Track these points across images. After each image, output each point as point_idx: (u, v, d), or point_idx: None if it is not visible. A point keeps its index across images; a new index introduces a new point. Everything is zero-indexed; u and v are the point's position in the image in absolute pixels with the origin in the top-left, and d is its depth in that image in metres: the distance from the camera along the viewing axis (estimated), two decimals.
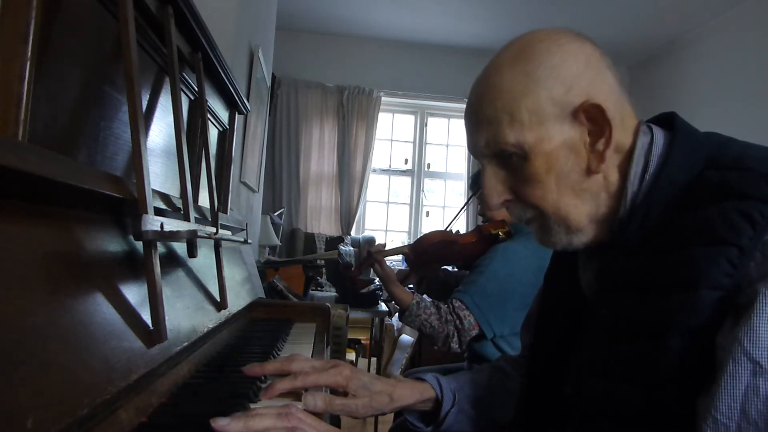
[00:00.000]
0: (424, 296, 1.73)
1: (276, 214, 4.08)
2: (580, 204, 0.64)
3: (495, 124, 0.64)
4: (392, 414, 1.69)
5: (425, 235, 1.76)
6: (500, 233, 1.65)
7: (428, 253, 1.70)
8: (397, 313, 1.74)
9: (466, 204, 2.12)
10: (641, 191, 0.63)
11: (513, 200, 0.68)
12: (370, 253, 1.67)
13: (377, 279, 1.73)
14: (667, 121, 0.67)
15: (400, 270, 1.81)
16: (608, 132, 0.62)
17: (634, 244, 0.62)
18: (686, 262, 0.56)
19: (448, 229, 1.81)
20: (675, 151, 0.62)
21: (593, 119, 0.62)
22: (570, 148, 0.63)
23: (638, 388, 0.57)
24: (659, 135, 0.65)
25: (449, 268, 3.89)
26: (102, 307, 0.53)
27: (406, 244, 1.77)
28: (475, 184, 1.78)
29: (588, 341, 0.66)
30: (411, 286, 1.93)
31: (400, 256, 1.76)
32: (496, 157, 0.66)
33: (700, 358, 0.54)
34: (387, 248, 1.73)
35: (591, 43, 0.66)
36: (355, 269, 1.75)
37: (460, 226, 4.92)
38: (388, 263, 1.68)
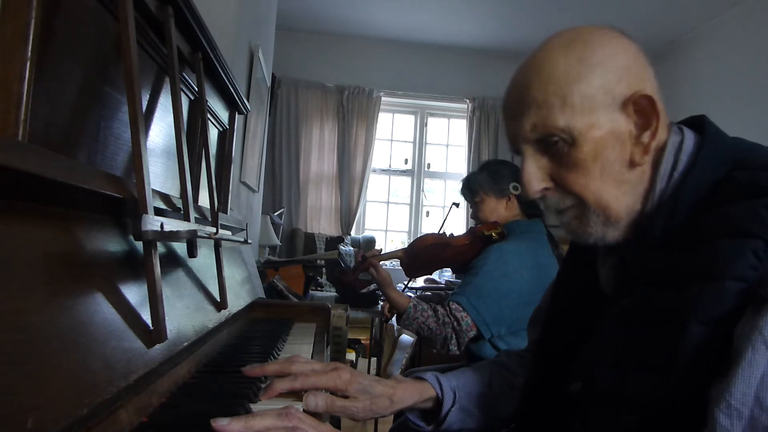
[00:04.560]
0: None
1: (276, 214, 4.08)
2: (620, 195, 0.65)
3: (545, 108, 0.64)
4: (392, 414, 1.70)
5: (419, 238, 1.76)
6: (493, 234, 1.65)
7: (422, 256, 1.71)
8: (393, 317, 1.74)
9: (450, 208, 2.12)
10: (669, 188, 0.64)
11: (552, 188, 0.68)
12: (365, 257, 1.67)
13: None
14: (697, 124, 0.68)
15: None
16: (655, 124, 0.63)
17: (658, 240, 0.63)
18: (711, 254, 0.56)
19: (441, 232, 1.82)
20: (704, 151, 0.63)
21: (640, 111, 0.64)
22: (616, 137, 0.64)
23: (653, 375, 0.58)
24: (689, 136, 0.66)
25: (437, 275, 3.89)
26: (102, 307, 0.53)
27: (400, 248, 1.77)
28: (468, 189, 1.78)
29: (603, 332, 0.66)
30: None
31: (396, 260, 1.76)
32: (540, 142, 0.66)
33: (718, 348, 0.54)
34: (382, 252, 1.74)
35: (633, 40, 0.67)
36: (350, 274, 1.76)
37: (460, 229, 4.92)
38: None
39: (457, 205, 2.08)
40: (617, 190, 0.65)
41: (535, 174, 0.67)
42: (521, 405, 0.84)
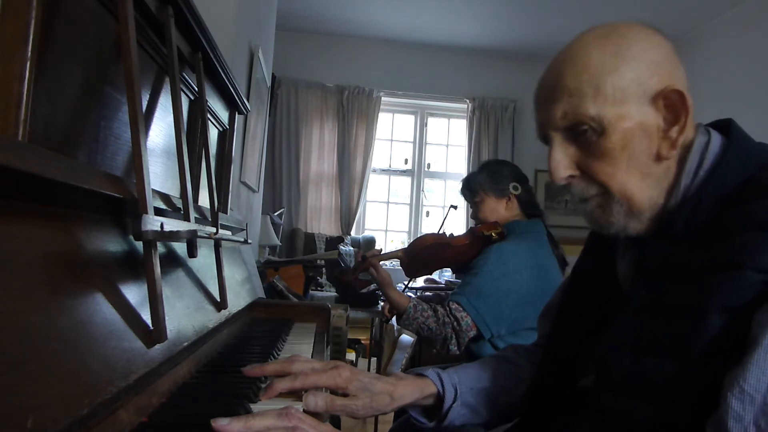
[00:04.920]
0: None
1: (276, 214, 4.08)
2: (645, 187, 0.66)
3: (577, 96, 0.65)
4: (392, 413, 1.70)
5: (419, 238, 1.76)
6: (493, 234, 1.65)
7: (422, 256, 1.71)
8: (393, 317, 1.74)
9: (448, 210, 2.12)
10: (693, 185, 0.65)
11: (578, 176, 0.69)
12: (365, 257, 1.67)
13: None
14: (724, 127, 0.70)
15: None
16: (684, 119, 0.65)
17: (680, 235, 0.64)
18: (734, 246, 0.57)
19: (441, 232, 1.82)
20: (730, 152, 0.65)
21: (670, 106, 0.65)
22: (645, 130, 0.65)
23: (668, 361, 0.58)
24: (716, 137, 0.67)
25: (437, 275, 3.88)
26: (102, 307, 0.53)
27: (400, 248, 1.77)
28: (468, 189, 1.78)
29: (619, 323, 0.67)
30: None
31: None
32: (569, 130, 0.68)
33: (735, 337, 0.55)
34: (382, 252, 1.74)
35: (667, 38, 0.68)
36: (350, 274, 1.76)
37: (460, 229, 4.92)
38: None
39: (455, 207, 2.08)
40: (642, 182, 0.66)
41: (562, 161, 0.69)
42: (529, 399, 0.85)
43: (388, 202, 5.33)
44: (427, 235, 1.77)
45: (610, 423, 0.63)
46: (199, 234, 0.78)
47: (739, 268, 0.56)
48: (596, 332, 0.74)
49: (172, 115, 0.81)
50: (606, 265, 0.77)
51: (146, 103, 0.79)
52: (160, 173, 0.85)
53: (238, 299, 1.15)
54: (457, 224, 4.95)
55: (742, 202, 0.60)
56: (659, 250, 0.66)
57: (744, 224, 0.58)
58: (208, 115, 1.13)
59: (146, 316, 0.61)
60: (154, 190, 0.65)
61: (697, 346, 0.56)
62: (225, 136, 1.31)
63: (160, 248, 0.75)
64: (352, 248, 4.44)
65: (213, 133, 1.23)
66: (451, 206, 2.07)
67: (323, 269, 3.10)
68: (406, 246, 1.80)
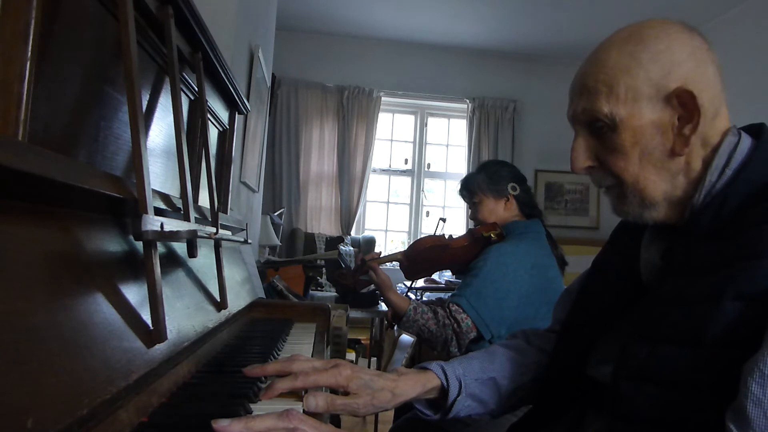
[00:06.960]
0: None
1: (276, 214, 4.08)
2: (658, 181, 0.70)
3: (594, 95, 0.70)
4: (393, 413, 1.70)
5: (418, 240, 1.76)
6: (492, 235, 1.65)
7: (422, 258, 1.70)
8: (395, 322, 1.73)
9: (438, 224, 2.12)
10: (719, 183, 0.67)
11: (596, 167, 0.74)
12: (365, 260, 1.67)
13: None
14: (756, 131, 0.71)
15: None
16: (696, 118, 0.66)
17: (706, 231, 0.65)
18: (754, 238, 0.59)
19: (440, 234, 1.82)
20: (758, 154, 0.66)
21: (685, 105, 0.67)
22: (657, 127, 0.68)
23: (683, 348, 0.59)
24: (746, 138, 0.69)
25: (436, 276, 3.88)
26: (102, 307, 0.53)
27: (399, 251, 1.77)
28: (467, 190, 1.78)
29: (640, 313, 0.68)
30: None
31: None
32: (589, 125, 0.72)
33: (751, 326, 0.56)
34: (381, 255, 1.74)
35: (700, 36, 0.70)
36: (350, 277, 1.75)
37: (460, 231, 4.92)
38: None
39: (444, 220, 2.08)
40: (655, 176, 0.69)
41: (581, 152, 0.74)
42: (541, 385, 0.86)
43: (388, 202, 5.33)
44: (426, 238, 1.77)
45: (629, 412, 0.64)
46: (199, 234, 0.78)
47: (757, 257, 0.57)
48: (612, 322, 0.76)
49: (172, 115, 0.81)
50: (629, 257, 0.79)
51: (146, 103, 0.79)
52: (160, 173, 0.85)
53: (238, 299, 1.15)
54: (456, 226, 4.95)
55: (765, 199, 0.61)
56: (686, 247, 0.67)
57: (764, 218, 0.59)
58: (208, 115, 1.13)
59: (146, 316, 0.61)
60: (154, 190, 0.65)
61: (711, 332, 0.57)
62: (225, 136, 1.31)
63: (160, 248, 0.75)
64: (352, 248, 4.43)
65: (213, 133, 1.23)
66: (441, 219, 2.07)
67: (323, 269, 3.10)
68: (405, 248, 1.80)
